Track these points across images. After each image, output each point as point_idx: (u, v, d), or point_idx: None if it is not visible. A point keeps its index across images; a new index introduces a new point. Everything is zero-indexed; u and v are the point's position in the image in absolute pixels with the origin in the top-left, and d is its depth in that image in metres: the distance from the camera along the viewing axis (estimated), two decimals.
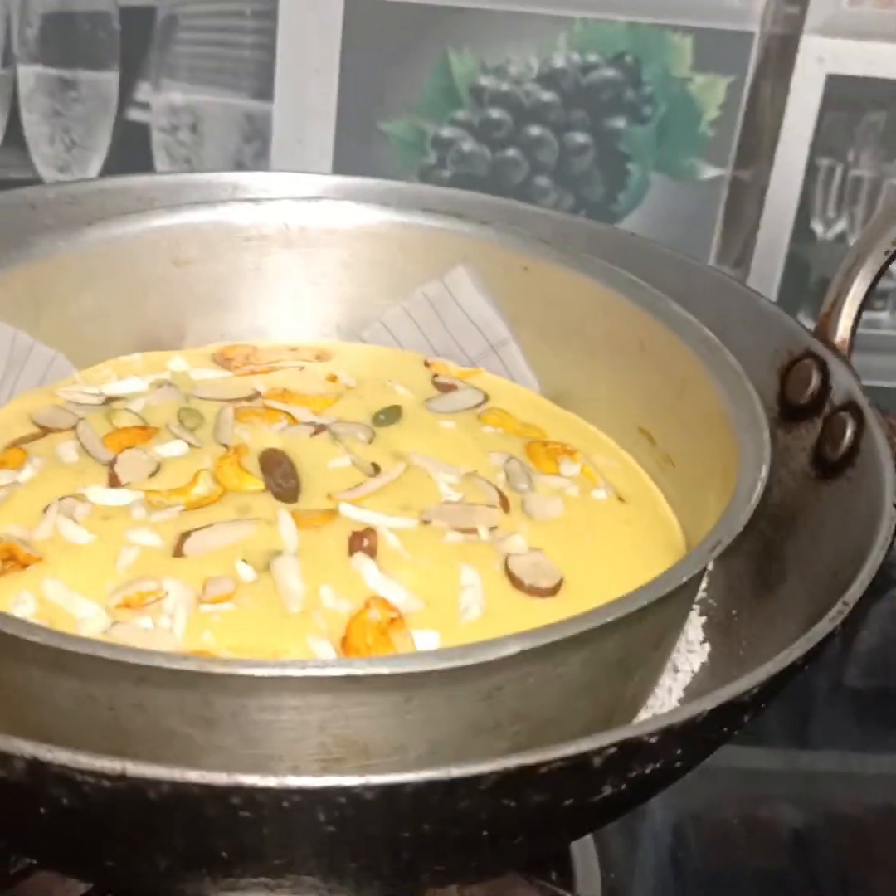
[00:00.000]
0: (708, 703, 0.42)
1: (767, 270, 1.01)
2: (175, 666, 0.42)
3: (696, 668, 0.59)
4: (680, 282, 0.69)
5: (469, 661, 0.44)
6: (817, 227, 0.99)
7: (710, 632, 0.60)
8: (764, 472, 0.53)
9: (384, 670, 0.43)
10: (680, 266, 0.70)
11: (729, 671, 0.57)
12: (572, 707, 0.49)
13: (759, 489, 0.52)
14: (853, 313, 0.62)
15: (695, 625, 0.60)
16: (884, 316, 1.02)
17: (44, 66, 0.95)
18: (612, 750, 0.40)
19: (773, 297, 1.01)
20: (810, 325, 0.65)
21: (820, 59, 0.93)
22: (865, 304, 0.62)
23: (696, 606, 0.62)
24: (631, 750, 0.41)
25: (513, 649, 0.44)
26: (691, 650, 0.59)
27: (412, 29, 0.97)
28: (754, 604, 0.59)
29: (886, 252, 0.61)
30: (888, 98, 0.95)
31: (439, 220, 0.68)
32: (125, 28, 0.94)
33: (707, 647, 0.60)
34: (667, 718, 0.42)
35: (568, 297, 0.67)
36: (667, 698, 0.57)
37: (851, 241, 1.00)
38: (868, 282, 0.61)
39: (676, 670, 0.58)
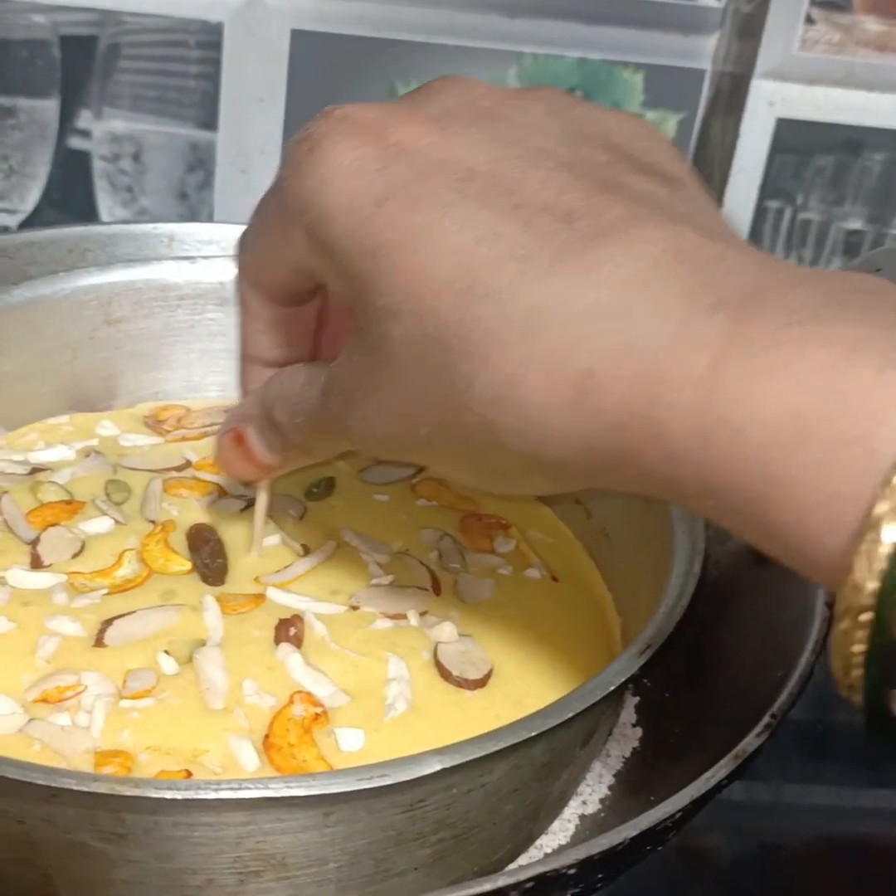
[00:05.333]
0: (629, 830, 0.41)
1: None
2: (85, 788, 0.41)
3: (628, 753, 0.58)
4: None
5: (388, 781, 0.43)
6: None
7: (643, 714, 0.60)
8: (697, 568, 0.52)
9: (301, 792, 0.42)
10: None
11: (660, 761, 0.57)
12: (498, 811, 0.49)
13: (691, 586, 0.51)
14: None
15: (628, 706, 0.60)
16: None
17: None
18: (530, 884, 0.40)
19: None
20: None
21: (770, 102, 0.93)
22: None
23: (630, 686, 0.61)
24: (549, 881, 0.40)
25: (435, 767, 0.43)
26: (623, 733, 0.59)
27: (358, 61, 0.96)
28: (687, 687, 0.59)
29: None
30: (837, 143, 0.95)
31: None
32: (65, 56, 0.92)
33: (639, 730, 0.59)
34: (586, 848, 0.41)
35: None
36: (597, 784, 0.57)
37: None
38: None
39: (608, 755, 0.58)
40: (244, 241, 0.47)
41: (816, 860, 0.68)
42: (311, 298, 0.48)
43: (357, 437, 0.42)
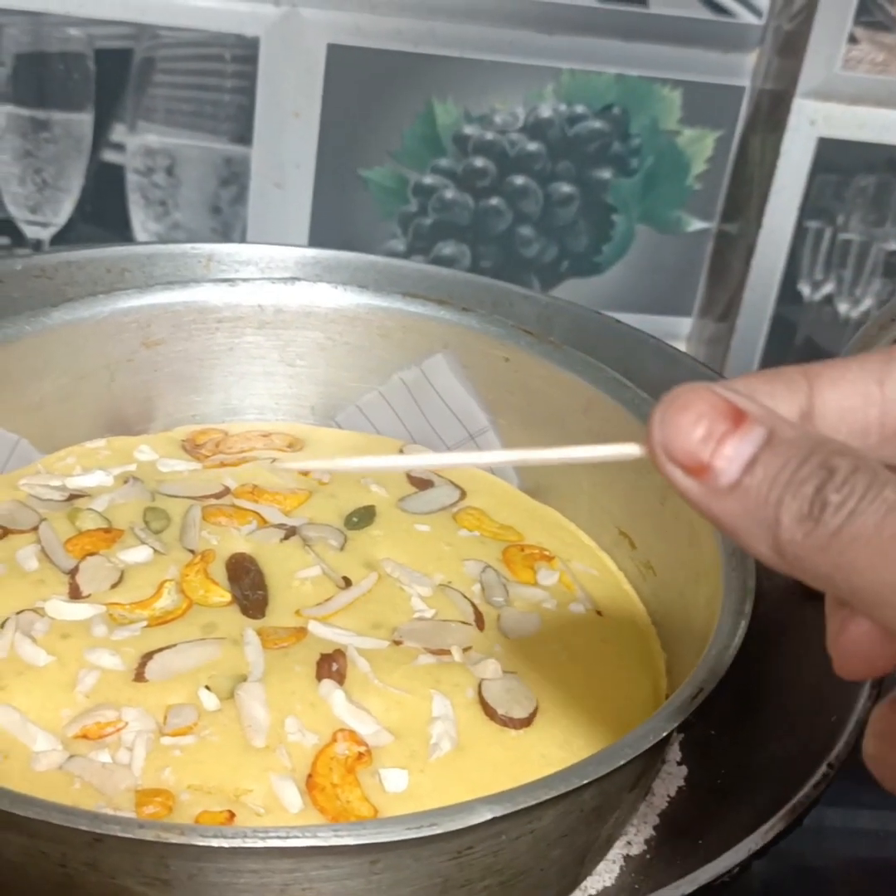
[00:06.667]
0: (687, 885, 0.40)
1: (752, 330, 0.99)
2: (130, 834, 0.40)
3: (673, 792, 0.57)
4: (663, 373, 0.67)
5: (438, 830, 0.42)
6: (804, 288, 0.98)
7: (688, 752, 0.59)
8: (748, 607, 0.51)
9: (350, 840, 0.41)
10: (663, 356, 0.69)
11: (706, 802, 0.55)
12: (545, 857, 0.48)
13: (742, 627, 0.50)
14: None
15: (672, 744, 0.58)
16: None
17: (16, 106, 0.92)
18: None
19: (757, 358, 0.99)
20: None
21: (812, 121, 0.91)
22: None
23: None
24: None
25: (485, 815, 0.42)
26: (668, 771, 0.58)
27: (395, 76, 0.95)
28: (735, 725, 0.57)
29: None
30: (879, 162, 0.93)
31: (419, 305, 0.66)
32: (100, 69, 0.91)
33: (684, 769, 0.58)
34: None
35: (549, 391, 0.65)
36: (641, 824, 0.55)
37: (839, 304, 0.98)
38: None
39: (653, 793, 0.56)
40: None
41: (853, 884, 0.67)
42: None
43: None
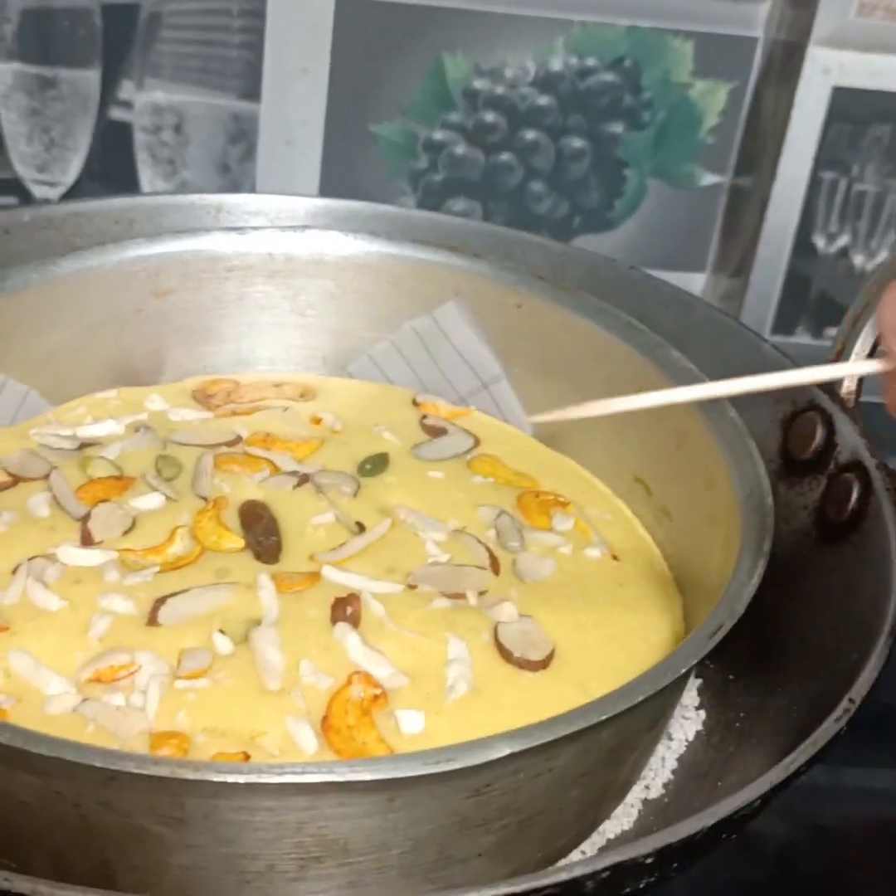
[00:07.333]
0: (707, 818, 0.40)
1: (766, 284, 0.98)
2: (144, 771, 0.40)
3: (691, 736, 0.56)
4: (679, 320, 0.66)
5: (455, 765, 0.41)
6: (819, 241, 0.97)
7: (706, 697, 0.58)
8: (767, 547, 0.51)
9: (366, 776, 0.41)
10: (679, 303, 0.68)
11: (725, 745, 0.55)
12: (564, 796, 0.47)
13: (761, 566, 0.50)
14: None
15: (690, 688, 0.58)
16: None
17: (23, 64, 0.91)
18: (606, 873, 0.38)
19: (772, 313, 0.99)
20: (809, 342, 0.62)
21: (826, 70, 0.90)
22: (873, 355, 0.59)
23: None
24: (626, 871, 0.39)
25: (503, 751, 0.42)
26: (686, 716, 0.57)
27: (404, 30, 0.94)
28: (752, 669, 0.57)
29: None
30: (894, 111, 0.92)
31: (431, 252, 0.66)
32: (107, 25, 0.90)
33: (702, 713, 0.57)
34: (663, 837, 0.39)
35: (563, 338, 0.64)
36: (660, 768, 0.55)
37: (854, 256, 0.97)
38: (876, 332, 0.58)
39: (671, 738, 0.56)
40: None
41: (869, 845, 0.67)
42: None
43: None
